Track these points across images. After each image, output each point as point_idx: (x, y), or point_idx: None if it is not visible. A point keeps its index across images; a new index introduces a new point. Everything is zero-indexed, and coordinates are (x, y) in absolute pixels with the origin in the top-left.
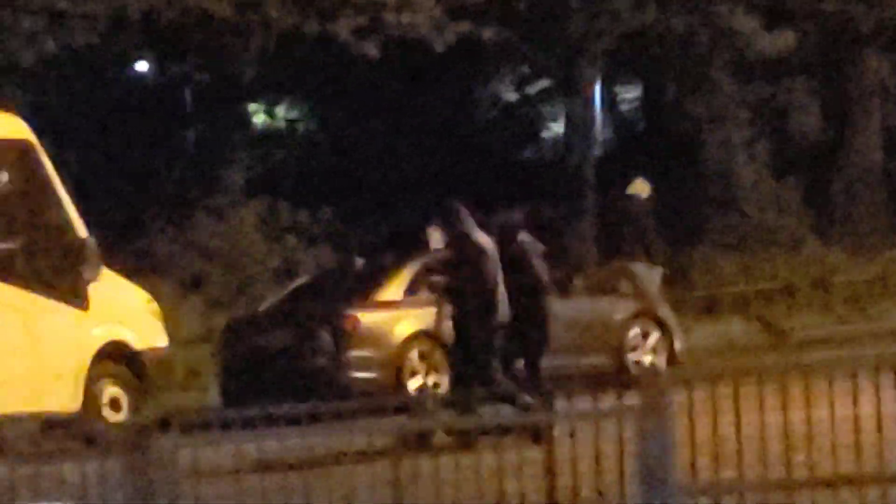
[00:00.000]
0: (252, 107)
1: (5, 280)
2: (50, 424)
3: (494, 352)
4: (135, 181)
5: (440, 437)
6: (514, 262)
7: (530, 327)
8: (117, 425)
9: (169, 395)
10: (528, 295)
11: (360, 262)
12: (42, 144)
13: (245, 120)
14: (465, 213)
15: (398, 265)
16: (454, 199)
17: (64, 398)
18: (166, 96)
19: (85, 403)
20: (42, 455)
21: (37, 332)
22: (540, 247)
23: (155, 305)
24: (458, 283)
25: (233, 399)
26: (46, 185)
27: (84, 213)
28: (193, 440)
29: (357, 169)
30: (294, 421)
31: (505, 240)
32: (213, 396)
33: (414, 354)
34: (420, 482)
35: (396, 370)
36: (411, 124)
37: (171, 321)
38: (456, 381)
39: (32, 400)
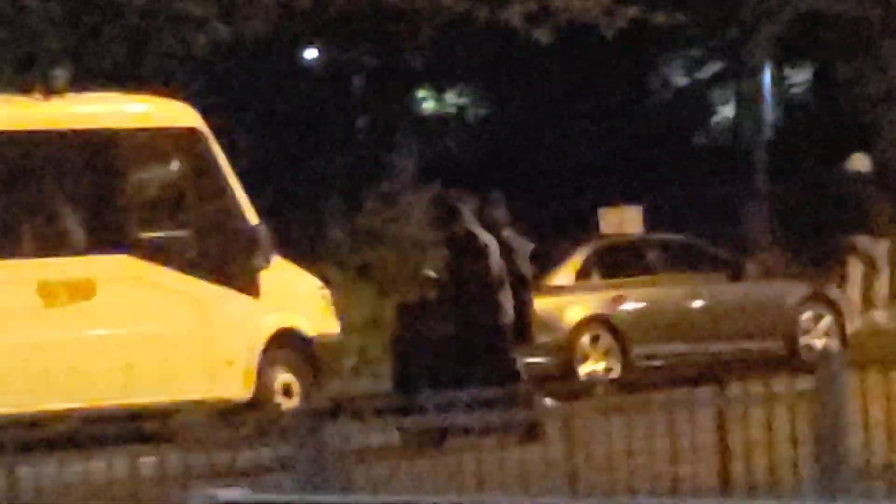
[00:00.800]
0: (421, 93)
1: (178, 268)
2: (223, 412)
3: (504, 349)
4: (305, 168)
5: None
6: (505, 258)
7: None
8: (290, 412)
9: (340, 381)
10: (512, 291)
11: (530, 246)
12: (212, 132)
13: (414, 106)
14: (465, 208)
15: (569, 250)
16: (452, 194)
17: (236, 385)
18: (336, 83)
19: (257, 390)
20: (216, 442)
21: (209, 319)
22: (526, 243)
23: (326, 292)
24: (459, 281)
25: (405, 385)
26: (217, 172)
27: (254, 201)
28: (366, 426)
29: (527, 155)
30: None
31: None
32: (385, 382)
33: (585, 339)
34: (593, 466)
35: (568, 355)
36: (582, 109)
37: (342, 307)
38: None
39: (206, 387)
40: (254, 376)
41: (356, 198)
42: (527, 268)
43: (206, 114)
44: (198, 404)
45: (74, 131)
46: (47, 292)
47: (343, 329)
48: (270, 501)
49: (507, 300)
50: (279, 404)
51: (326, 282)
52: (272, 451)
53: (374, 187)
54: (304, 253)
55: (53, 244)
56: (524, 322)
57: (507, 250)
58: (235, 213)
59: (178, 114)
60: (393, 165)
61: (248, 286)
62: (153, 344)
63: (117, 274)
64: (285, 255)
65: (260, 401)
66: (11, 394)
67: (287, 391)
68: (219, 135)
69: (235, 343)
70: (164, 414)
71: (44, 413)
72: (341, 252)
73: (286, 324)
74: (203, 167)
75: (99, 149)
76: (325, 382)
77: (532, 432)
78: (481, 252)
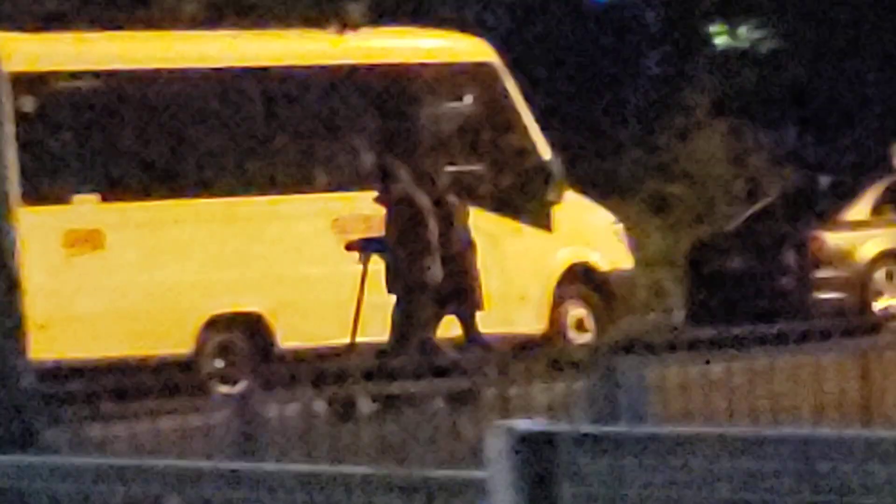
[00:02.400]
0: (714, 28)
1: (473, 203)
2: (517, 346)
3: (426, 312)
4: (598, 103)
5: None
6: (441, 221)
7: (461, 287)
8: (584, 346)
9: (633, 316)
10: (457, 255)
11: (824, 181)
12: (506, 67)
13: (707, 41)
14: (403, 171)
15: (864, 184)
16: (390, 157)
17: (530, 320)
18: (629, 18)
19: (550, 325)
20: (510, 377)
21: (504, 254)
22: (466, 207)
23: (619, 227)
24: (393, 242)
25: (698, 319)
26: (511, 107)
27: (547, 136)
28: (660, 360)
29: (822, 88)
30: (760, 341)
31: (433, 200)
32: (678, 317)
33: (880, 275)
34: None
35: (862, 291)
36: (875, 43)
37: (635, 242)
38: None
39: (499, 322)
40: (547, 311)
41: (649, 133)
42: (468, 230)
43: (498, 48)
44: (491, 339)
45: (370, 66)
46: (341, 227)
47: (636, 263)
48: (568, 433)
49: (437, 263)
50: (573, 339)
51: (619, 217)
52: (566, 385)
53: (667, 122)
54: (597, 188)
55: (348, 179)
56: (473, 291)
57: (448, 214)
58: (529, 148)
59: (472, 49)
60: (685, 101)
61: (542, 221)
62: None
63: None
64: (578, 190)
65: (553, 335)
66: (303, 326)
67: (580, 326)
68: (512, 70)
69: (529, 278)
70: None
71: (336, 347)
72: (634, 187)
73: (579, 258)
74: (497, 102)
75: (394, 84)
76: (618, 317)
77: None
78: (418, 214)
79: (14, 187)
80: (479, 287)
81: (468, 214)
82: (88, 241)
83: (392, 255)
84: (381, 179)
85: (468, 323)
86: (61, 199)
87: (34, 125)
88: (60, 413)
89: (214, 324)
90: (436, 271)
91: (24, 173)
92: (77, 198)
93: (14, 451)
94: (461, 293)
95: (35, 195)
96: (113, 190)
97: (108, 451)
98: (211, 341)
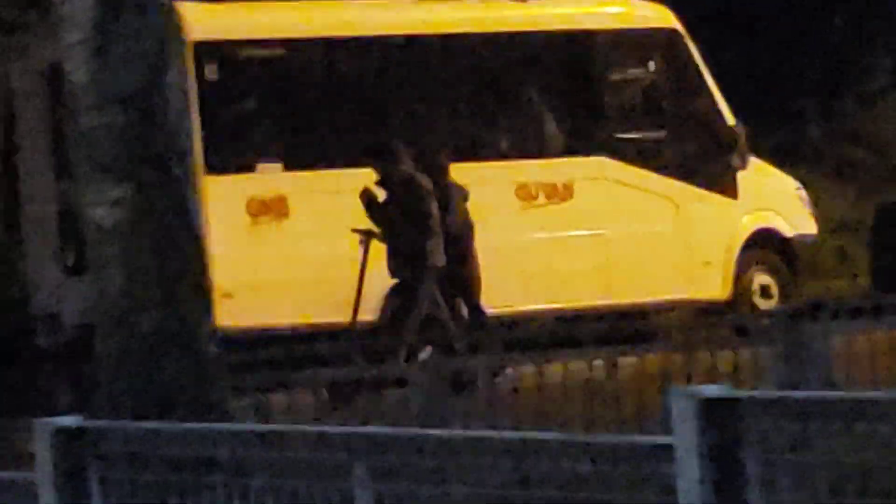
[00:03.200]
0: None
1: (655, 169)
2: (701, 312)
3: (426, 295)
4: (781, 68)
5: None
6: (441, 203)
7: (462, 269)
8: (769, 312)
9: (818, 281)
10: (456, 237)
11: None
12: (688, 32)
13: (892, 4)
14: (403, 152)
15: None
16: (393, 138)
17: (714, 286)
18: None
19: (735, 291)
20: (695, 343)
21: (687, 220)
22: (464, 189)
23: (803, 192)
24: (397, 225)
25: (883, 285)
26: (694, 73)
27: (731, 101)
28: (845, 326)
29: None
30: None
31: (434, 182)
32: (864, 283)
33: None
34: None
35: None
36: None
37: (819, 208)
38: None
39: (683, 288)
40: (731, 277)
41: (833, 98)
42: (466, 212)
43: (681, 15)
44: (675, 305)
45: (552, 33)
46: (525, 193)
47: (821, 229)
48: (753, 398)
49: (439, 245)
50: (757, 305)
51: (803, 183)
52: (751, 351)
53: (851, 87)
54: (781, 154)
55: (531, 146)
56: (473, 272)
57: (448, 196)
58: (712, 114)
59: (656, 15)
60: (870, 65)
61: (726, 187)
62: (631, 245)
63: (595, 175)
64: (762, 156)
65: (738, 301)
66: (490, 294)
67: (765, 292)
68: (694, 36)
69: (713, 244)
70: (641, 315)
71: (522, 313)
72: (818, 153)
73: (764, 224)
74: (680, 68)
75: (576, 50)
76: (803, 283)
77: None
78: (422, 197)
79: (198, 156)
80: (478, 270)
81: (466, 197)
82: (272, 209)
83: (394, 239)
84: (382, 161)
85: (472, 306)
86: (245, 168)
87: (217, 94)
88: (245, 381)
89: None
90: (439, 255)
91: (208, 142)
92: (261, 166)
93: (200, 419)
94: (463, 277)
95: (219, 164)
96: (296, 158)
97: (293, 421)
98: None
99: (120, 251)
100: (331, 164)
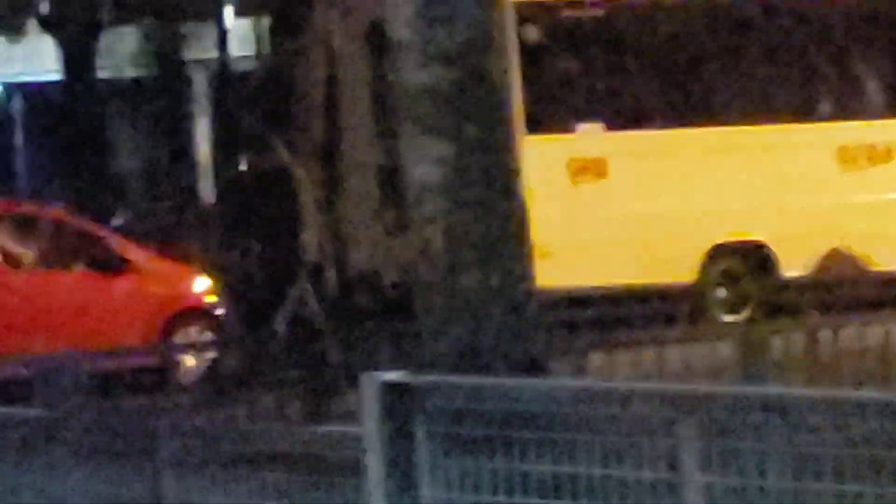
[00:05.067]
0: None
1: None
2: None
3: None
4: None
5: None
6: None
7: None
8: None
9: None
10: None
11: None
12: None
13: None
14: (277, 141)
15: None
16: (267, 128)
17: None
18: None
19: None
20: None
21: None
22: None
23: None
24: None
25: None
26: None
27: None
28: None
29: None
30: None
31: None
32: None
33: None
34: None
35: None
36: None
37: None
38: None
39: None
40: None
41: None
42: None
43: None
44: None
45: None
46: (846, 156)
47: None
48: None
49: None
50: None
51: None
52: None
53: None
54: None
55: (852, 108)
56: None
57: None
58: None
59: None
60: None
61: None
62: None
63: None
64: None
65: None
66: (805, 256)
67: None
68: None
69: None
70: None
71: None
72: None
73: None
74: None
75: (889, 10)
76: None
77: None
78: (295, 187)
79: (519, 117)
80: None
81: (313, 184)
82: (592, 169)
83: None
84: (254, 153)
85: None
86: (565, 128)
87: (538, 55)
88: (565, 341)
89: (718, 252)
90: (314, 249)
91: (529, 103)
92: (581, 127)
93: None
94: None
95: (540, 124)
96: (617, 119)
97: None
98: (714, 270)
99: (442, 209)
100: (651, 125)
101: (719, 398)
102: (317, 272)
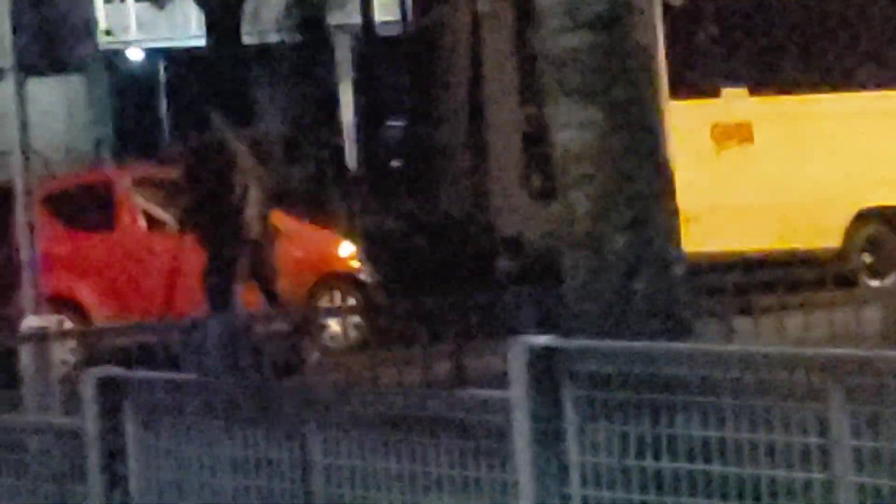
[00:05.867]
0: None
1: None
2: None
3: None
4: None
5: None
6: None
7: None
8: None
9: None
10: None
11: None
12: None
13: None
14: (220, 118)
15: None
16: (212, 108)
17: None
18: None
19: None
20: None
21: None
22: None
23: None
24: (206, 195)
25: None
26: None
27: None
28: None
29: None
30: None
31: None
32: None
33: None
34: None
35: None
36: None
37: None
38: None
39: None
40: None
41: None
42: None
43: None
44: None
45: None
46: None
47: None
48: None
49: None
50: None
51: None
52: None
53: None
54: None
55: None
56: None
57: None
58: None
59: None
60: None
61: None
62: None
63: None
64: None
65: None
66: None
67: None
68: None
69: None
70: None
71: None
72: None
73: None
74: None
75: None
76: None
77: None
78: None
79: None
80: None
81: (255, 166)
82: (737, 134)
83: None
84: (197, 129)
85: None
86: (710, 93)
87: (683, 19)
88: (711, 305)
89: (863, 217)
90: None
91: (673, 68)
92: (726, 91)
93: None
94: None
95: (684, 89)
96: (762, 83)
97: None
98: (859, 235)
99: (588, 174)
100: (796, 89)
101: (868, 363)
102: (515, 243)
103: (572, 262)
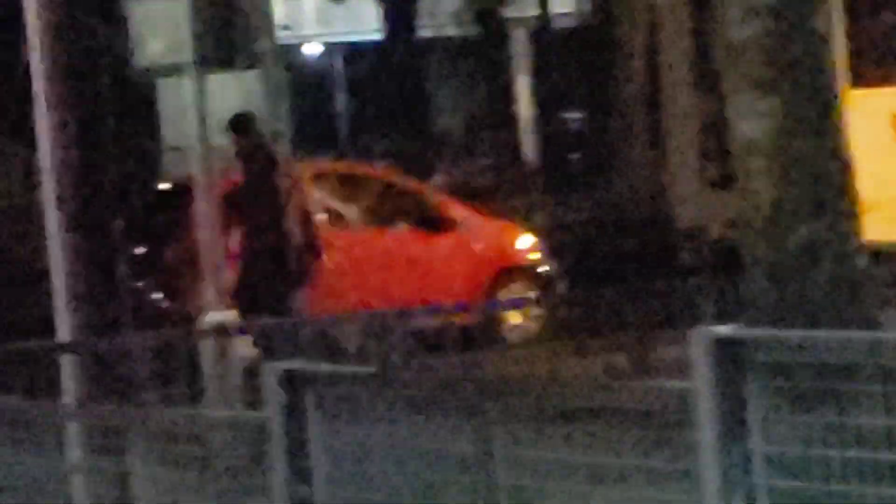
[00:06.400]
0: None
1: None
2: None
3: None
4: None
5: None
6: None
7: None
8: None
9: None
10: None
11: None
12: None
13: None
14: (258, 123)
15: None
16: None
17: None
18: None
19: None
20: None
21: None
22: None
23: None
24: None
25: None
26: None
27: None
28: None
29: None
30: None
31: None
32: None
33: None
34: None
35: None
36: None
37: None
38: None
39: None
40: None
41: None
42: None
43: None
44: None
45: None
46: None
47: None
48: None
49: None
50: None
51: None
52: None
53: None
54: None
55: None
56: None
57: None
58: None
59: None
60: None
61: None
62: None
63: None
64: None
65: None
66: None
67: None
68: None
69: None
70: None
71: None
72: None
73: None
74: None
75: None
76: None
77: None
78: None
79: (843, 70)
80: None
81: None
82: None
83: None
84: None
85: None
86: (889, 82)
87: (862, 6)
88: (893, 294)
89: None
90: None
91: (853, 56)
92: None
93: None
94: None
95: (863, 78)
96: None
97: None
98: None
99: (768, 163)
100: None
101: None
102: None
103: (754, 253)
